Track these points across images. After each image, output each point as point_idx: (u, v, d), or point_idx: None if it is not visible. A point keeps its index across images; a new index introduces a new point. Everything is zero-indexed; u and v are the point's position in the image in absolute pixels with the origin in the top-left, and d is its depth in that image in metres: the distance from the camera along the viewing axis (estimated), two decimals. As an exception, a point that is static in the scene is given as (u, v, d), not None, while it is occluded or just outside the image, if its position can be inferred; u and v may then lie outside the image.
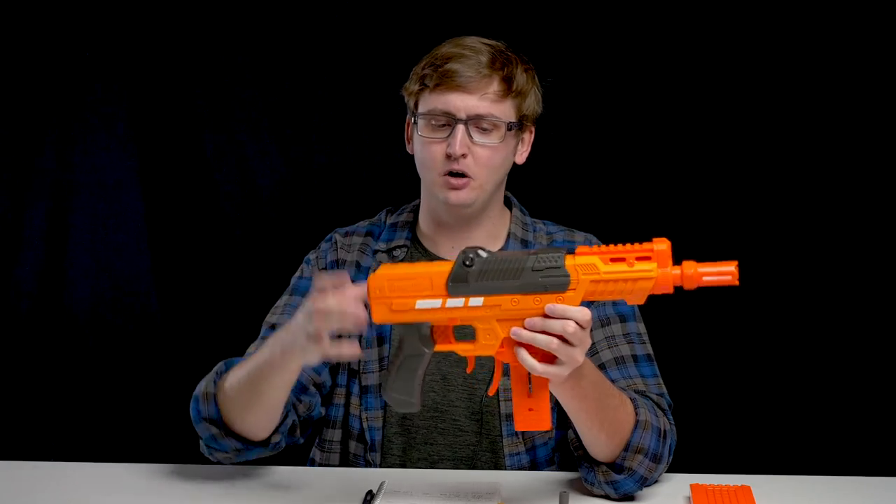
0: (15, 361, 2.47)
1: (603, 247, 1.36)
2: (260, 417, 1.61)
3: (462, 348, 1.43)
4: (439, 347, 1.43)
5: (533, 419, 1.37)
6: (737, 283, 1.27)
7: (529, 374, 1.40)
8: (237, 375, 1.60)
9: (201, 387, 1.65)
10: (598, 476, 1.58)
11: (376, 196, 1.88)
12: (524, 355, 1.37)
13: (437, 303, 1.39)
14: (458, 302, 1.38)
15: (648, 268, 1.31)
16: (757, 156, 2.32)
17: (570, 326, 1.35)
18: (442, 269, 1.39)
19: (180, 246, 2.45)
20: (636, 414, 1.57)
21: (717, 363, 2.35)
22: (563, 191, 2.33)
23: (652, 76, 2.33)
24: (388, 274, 1.41)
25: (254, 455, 1.67)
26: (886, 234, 2.29)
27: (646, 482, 1.59)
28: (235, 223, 2.44)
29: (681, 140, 2.34)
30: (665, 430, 1.60)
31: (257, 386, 1.57)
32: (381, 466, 1.77)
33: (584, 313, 1.35)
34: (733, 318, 2.34)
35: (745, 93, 2.31)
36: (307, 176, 2.43)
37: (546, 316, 1.36)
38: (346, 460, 1.81)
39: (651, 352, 1.74)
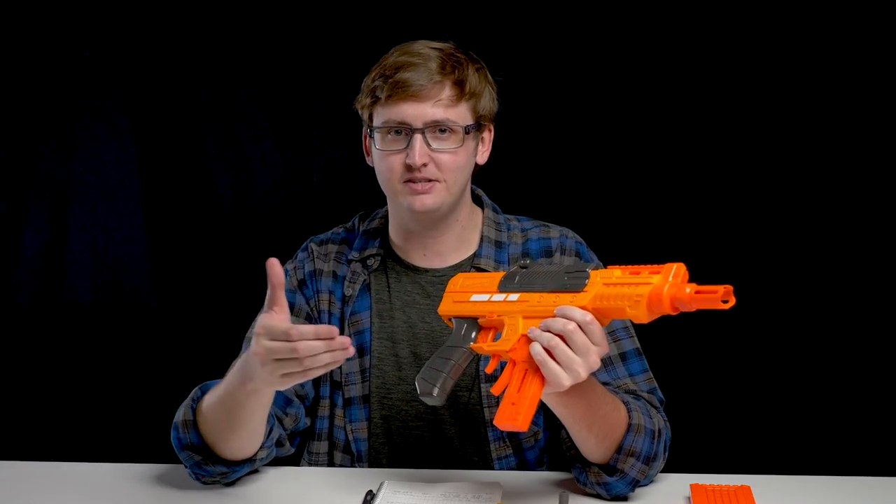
0: (15, 361, 2.47)
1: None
2: (243, 441, 1.59)
3: (489, 345, 1.46)
4: (474, 346, 1.47)
5: (510, 414, 1.36)
6: (726, 307, 1.25)
7: (525, 374, 1.39)
8: (212, 402, 1.57)
9: (179, 414, 1.62)
10: (590, 477, 1.57)
11: (375, 197, 1.88)
12: (537, 347, 1.37)
13: (485, 297, 1.48)
14: (500, 297, 1.46)
15: (651, 278, 1.31)
16: (742, 152, 2.31)
17: (570, 325, 1.35)
18: (504, 273, 1.50)
19: (180, 245, 2.45)
20: (629, 417, 1.56)
21: (716, 363, 2.35)
22: (538, 185, 2.33)
23: (628, 68, 2.32)
24: (465, 274, 1.57)
25: (242, 473, 1.65)
26: (885, 235, 2.29)
27: (638, 484, 1.58)
28: (235, 223, 2.44)
29: (661, 132, 2.33)
30: (659, 430, 1.60)
31: (234, 412, 1.54)
32: None
33: (584, 314, 1.36)
34: (733, 318, 2.32)
35: (726, 88, 2.30)
36: (307, 176, 2.43)
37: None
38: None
39: (638, 345, 1.73)
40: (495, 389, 1.40)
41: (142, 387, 2.47)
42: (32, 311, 2.46)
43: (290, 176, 2.43)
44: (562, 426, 1.60)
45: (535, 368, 1.38)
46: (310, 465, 1.81)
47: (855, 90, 2.27)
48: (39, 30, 2.40)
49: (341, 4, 2.37)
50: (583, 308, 1.35)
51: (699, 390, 2.31)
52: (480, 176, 1.82)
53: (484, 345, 1.46)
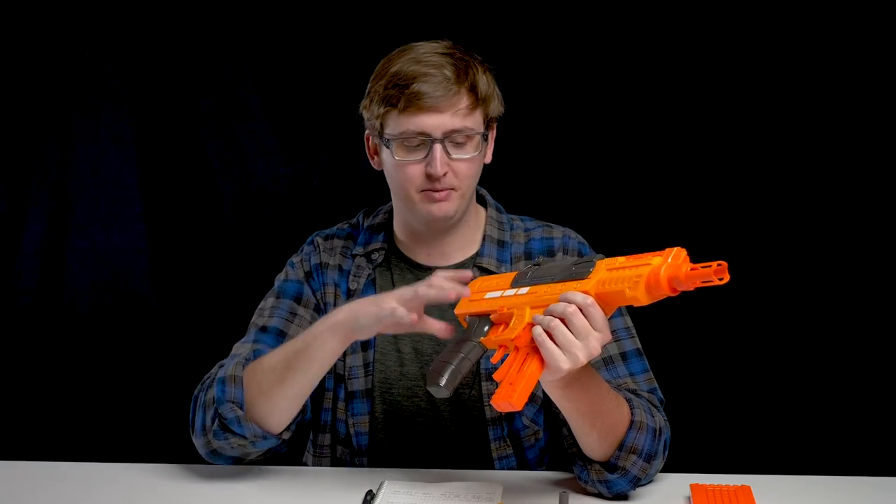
0: (14, 361, 2.47)
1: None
2: (288, 401, 1.62)
3: (496, 336, 1.45)
4: (483, 339, 1.48)
5: (506, 392, 1.36)
6: (721, 283, 1.25)
7: (526, 357, 1.39)
8: (272, 358, 1.62)
9: (227, 370, 1.64)
10: (592, 475, 1.57)
11: (376, 196, 1.88)
12: (538, 329, 1.37)
13: (498, 293, 1.49)
14: (511, 292, 1.47)
15: (652, 260, 1.32)
16: (745, 152, 2.32)
17: (570, 308, 1.36)
18: (518, 272, 1.52)
19: (180, 246, 2.45)
20: (632, 415, 1.57)
21: (716, 363, 2.35)
22: (539, 185, 2.34)
23: (630, 67, 2.33)
24: (483, 277, 1.59)
25: (266, 446, 1.65)
26: (886, 235, 2.29)
27: (639, 482, 1.58)
28: (235, 223, 2.44)
29: (664, 131, 2.33)
30: (660, 428, 1.60)
31: (296, 364, 1.58)
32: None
33: (585, 297, 1.36)
34: (733, 317, 2.34)
35: (728, 87, 2.30)
36: (307, 176, 2.43)
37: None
38: (337, 465, 1.82)
39: (639, 345, 1.73)
40: (497, 375, 1.40)
41: (142, 387, 2.47)
42: (32, 311, 2.46)
43: (290, 176, 2.43)
44: (563, 424, 1.60)
45: (535, 350, 1.38)
46: (314, 456, 1.82)
47: (855, 90, 2.27)
48: (39, 30, 2.40)
49: (341, 5, 2.37)
50: (585, 293, 1.36)
51: (699, 390, 2.31)
52: (483, 176, 1.82)
53: (493, 336, 1.47)
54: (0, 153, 2.43)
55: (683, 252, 1.31)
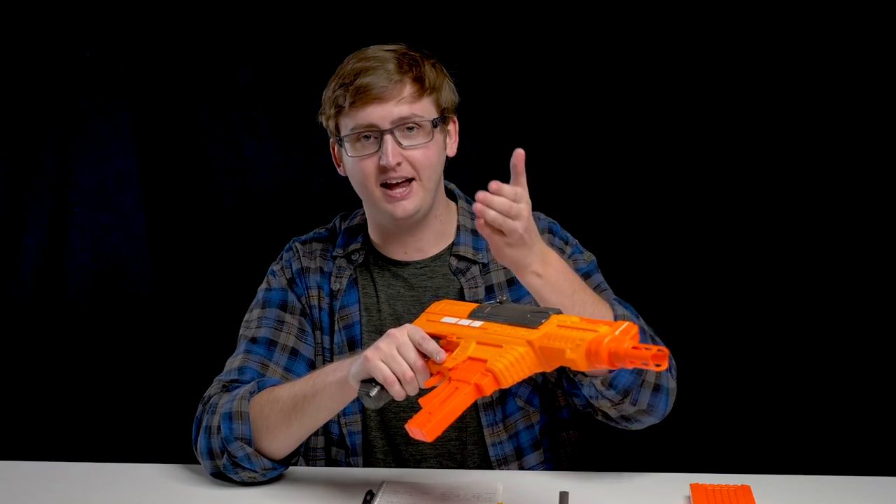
0: (15, 361, 2.47)
1: None
2: (294, 439, 1.63)
3: (433, 364, 1.45)
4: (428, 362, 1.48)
5: (422, 420, 1.36)
6: (657, 370, 1.25)
7: (455, 391, 1.38)
8: (280, 395, 1.62)
9: (232, 405, 1.64)
10: (598, 386, 1.58)
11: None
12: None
13: (453, 320, 1.50)
14: (465, 322, 1.48)
15: (600, 328, 1.31)
16: (729, 138, 2.30)
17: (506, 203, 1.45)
18: (480, 304, 1.53)
19: (180, 245, 2.45)
20: (613, 310, 1.59)
21: (717, 363, 2.35)
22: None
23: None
24: (448, 300, 1.59)
25: (276, 474, 1.67)
26: (886, 235, 2.29)
27: (643, 380, 1.58)
28: (235, 223, 2.44)
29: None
30: (653, 336, 1.61)
31: (304, 408, 1.59)
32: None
33: (513, 189, 1.46)
34: (733, 317, 2.34)
35: (713, 76, 2.29)
36: (307, 175, 2.43)
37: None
38: (331, 466, 1.82)
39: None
40: (422, 399, 1.40)
41: (142, 387, 2.47)
42: (32, 311, 2.46)
43: (289, 176, 2.43)
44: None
45: (465, 388, 1.37)
46: (307, 460, 1.82)
47: (855, 90, 2.27)
48: (39, 30, 2.40)
49: (340, 6, 2.37)
50: (530, 342, 1.35)
51: (699, 390, 2.31)
52: (452, 171, 1.82)
53: (430, 363, 1.47)
54: (0, 153, 2.44)
55: (634, 328, 1.30)
